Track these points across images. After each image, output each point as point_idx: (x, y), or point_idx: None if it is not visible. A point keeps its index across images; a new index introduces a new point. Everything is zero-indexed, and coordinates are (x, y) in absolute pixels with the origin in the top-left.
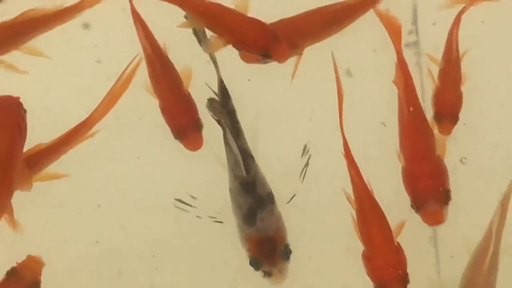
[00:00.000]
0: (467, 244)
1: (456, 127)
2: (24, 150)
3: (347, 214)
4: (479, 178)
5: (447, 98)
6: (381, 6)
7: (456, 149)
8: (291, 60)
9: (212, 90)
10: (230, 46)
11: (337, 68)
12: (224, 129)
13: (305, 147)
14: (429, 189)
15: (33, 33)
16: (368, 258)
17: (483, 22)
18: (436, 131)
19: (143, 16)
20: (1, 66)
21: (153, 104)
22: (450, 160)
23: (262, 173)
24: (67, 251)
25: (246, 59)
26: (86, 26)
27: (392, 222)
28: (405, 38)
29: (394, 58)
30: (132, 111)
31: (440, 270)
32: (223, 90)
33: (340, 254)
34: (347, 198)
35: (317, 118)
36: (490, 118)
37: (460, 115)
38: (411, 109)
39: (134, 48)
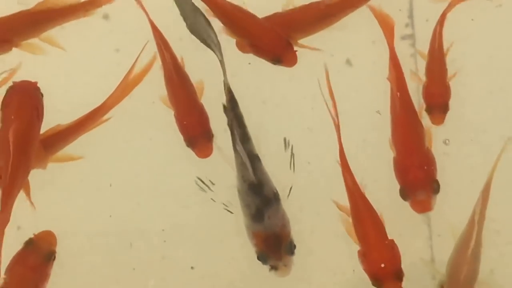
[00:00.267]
0: (453, 229)
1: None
2: (45, 130)
3: None
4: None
5: (435, 91)
6: (376, 2)
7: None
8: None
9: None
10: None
11: (330, 87)
12: (233, 134)
13: (284, 140)
14: (418, 180)
15: (52, 23)
16: (364, 255)
17: (472, 19)
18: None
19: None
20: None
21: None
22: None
23: (267, 173)
24: (82, 225)
25: (241, 48)
26: (106, 16)
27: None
28: (402, 31)
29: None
30: (145, 96)
31: (433, 246)
32: (230, 97)
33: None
34: (337, 207)
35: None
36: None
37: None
38: (398, 94)
39: (150, 38)
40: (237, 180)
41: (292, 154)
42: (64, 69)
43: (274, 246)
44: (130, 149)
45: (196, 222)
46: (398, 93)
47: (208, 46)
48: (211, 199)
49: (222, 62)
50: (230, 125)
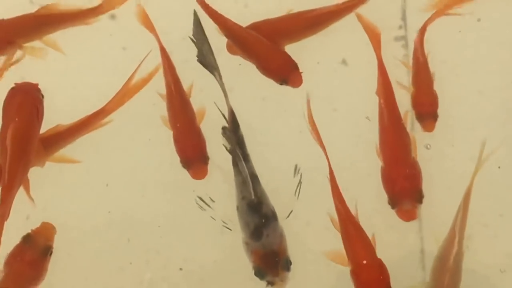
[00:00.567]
0: (436, 236)
1: None
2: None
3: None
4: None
5: (424, 100)
6: (372, 3)
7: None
8: None
9: (224, 116)
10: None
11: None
12: (233, 155)
13: (295, 167)
14: (404, 190)
15: (55, 27)
16: (355, 273)
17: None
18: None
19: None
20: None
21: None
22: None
23: (265, 192)
24: (80, 221)
25: (231, 50)
26: (112, 16)
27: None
28: (395, 32)
29: (385, 51)
30: (145, 96)
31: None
32: (233, 119)
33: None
34: (331, 221)
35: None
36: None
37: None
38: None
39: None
40: (236, 198)
41: (300, 182)
42: (68, 70)
43: (272, 263)
44: (130, 149)
45: (189, 217)
46: (383, 103)
47: (211, 72)
48: (211, 217)
49: (222, 86)
50: (233, 146)
